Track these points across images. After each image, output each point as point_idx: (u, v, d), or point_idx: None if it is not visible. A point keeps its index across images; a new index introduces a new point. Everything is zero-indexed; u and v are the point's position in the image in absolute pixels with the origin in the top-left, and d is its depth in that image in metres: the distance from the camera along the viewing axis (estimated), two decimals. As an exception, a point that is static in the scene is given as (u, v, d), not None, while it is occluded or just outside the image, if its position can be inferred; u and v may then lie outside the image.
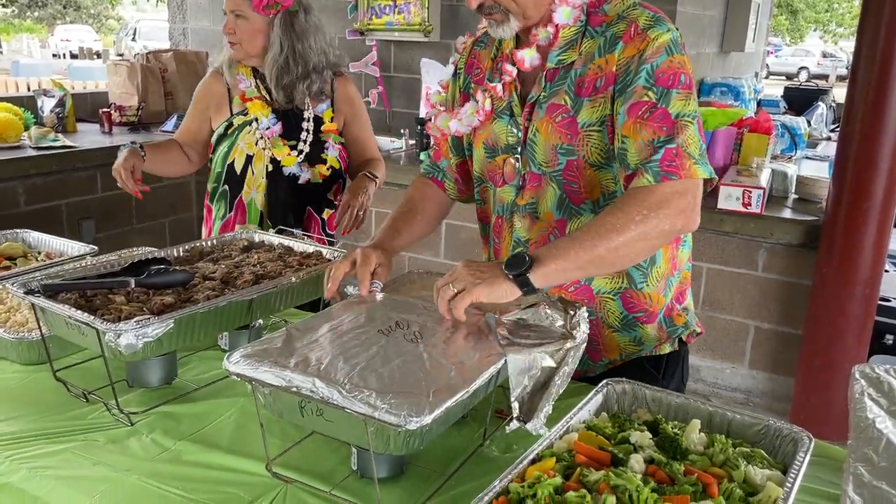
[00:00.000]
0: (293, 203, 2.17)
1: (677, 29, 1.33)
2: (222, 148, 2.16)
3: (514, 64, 1.40)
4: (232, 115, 2.15)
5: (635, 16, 1.31)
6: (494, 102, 1.45)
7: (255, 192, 2.15)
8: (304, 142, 2.14)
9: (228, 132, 2.15)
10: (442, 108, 1.59)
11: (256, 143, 2.12)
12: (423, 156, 1.69)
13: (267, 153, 2.12)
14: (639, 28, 1.29)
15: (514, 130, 1.43)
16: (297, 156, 2.13)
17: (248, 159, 2.13)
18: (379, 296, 1.33)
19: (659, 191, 1.24)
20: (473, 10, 1.35)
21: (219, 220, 2.21)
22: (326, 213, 2.23)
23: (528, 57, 1.37)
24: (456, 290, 1.19)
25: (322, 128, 2.16)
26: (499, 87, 1.43)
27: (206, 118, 2.20)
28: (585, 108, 1.33)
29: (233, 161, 2.14)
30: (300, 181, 2.15)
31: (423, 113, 3.89)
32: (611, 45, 1.31)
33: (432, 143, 1.66)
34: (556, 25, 1.35)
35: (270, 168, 2.13)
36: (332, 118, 2.18)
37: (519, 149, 1.43)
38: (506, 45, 1.45)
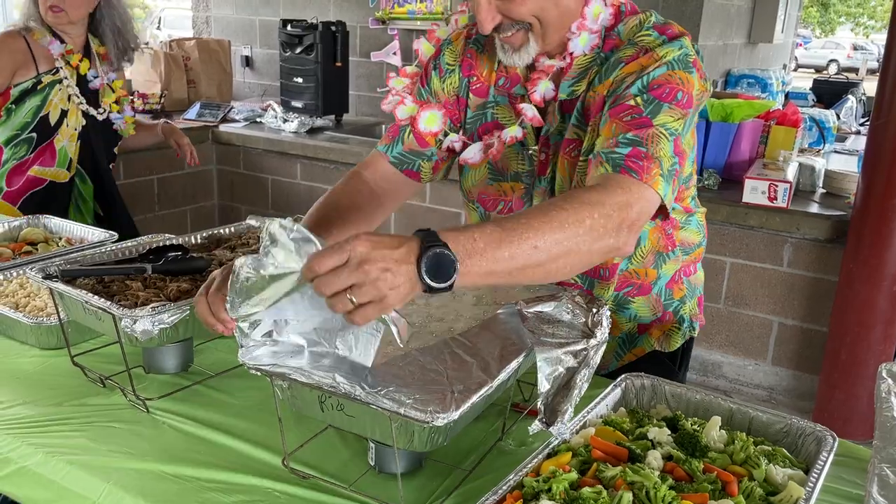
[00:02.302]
0: (98, 152, 2.59)
1: (697, 51, 1.24)
2: (33, 101, 2.44)
3: (529, 100, 1.31)
4: (39, 73, 2.42)
5: (647, 43, 1.21)
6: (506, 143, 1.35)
7: (67, 141, 2.51)
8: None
9: (38, 88, 2.43)
10: (413, 97, 1.43)
11: (69, 100, 2.48)
12: (380, 147, 1.44)
13: (80, 108, 2.50)
14: (644, 52, 1.20)
15: (526, 160, 1.36)
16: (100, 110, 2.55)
17: (63, 113, 2.48)
18: None
19: (613, 196, 1.06)
20: (485, 33, 1.23)
21: (14, 160, 2.48)
22: (111, 166, 2.69)
23: (543, 90, 1.29)
24: (359, 301, 0.87)
25: (117, 92, 2.60)
26: (517, 130, 1.33)
27: (8, 74, 2.41)
28: (588, 134, 1.26)
29: (47, 114, 2.46)
30: (114, 127, 2.59)
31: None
32: (612, 68, 1.23)
33: (406, 132, 1.42)
34: (571, 55, 1.27)
35: (84, 122, 2.52)
36: (121, 86, 2.63)
37: (531, 180, 1.36)
38: None
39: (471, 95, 1.40)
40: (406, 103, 1.42)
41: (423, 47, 1.49)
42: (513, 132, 1.33)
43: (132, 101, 2.77)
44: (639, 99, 1.16)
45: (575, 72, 1.28)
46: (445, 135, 1.42)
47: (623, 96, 1.17)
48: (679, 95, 1.16)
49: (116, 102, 2.59)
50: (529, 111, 1.31)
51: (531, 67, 1.32)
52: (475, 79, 1.39)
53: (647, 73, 1.17)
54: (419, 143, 1.41)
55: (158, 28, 18.76)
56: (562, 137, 1.31)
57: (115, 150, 2.67)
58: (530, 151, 1.35)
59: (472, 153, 1.39)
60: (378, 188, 1.42)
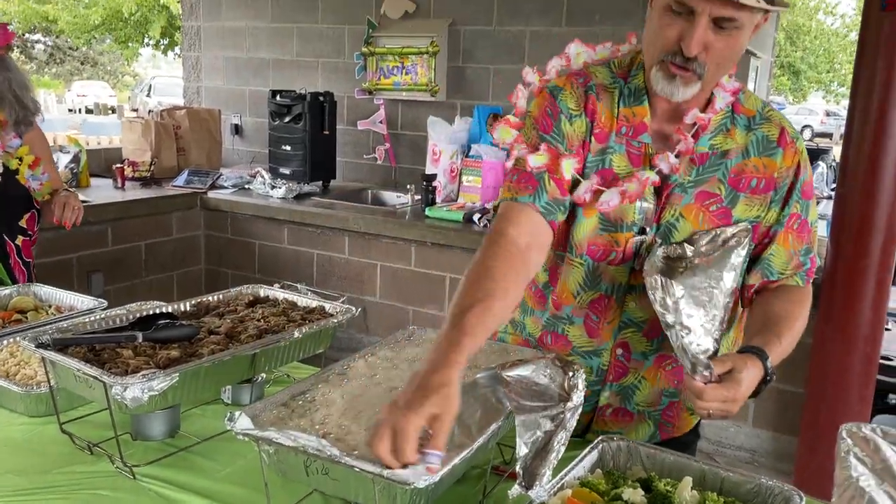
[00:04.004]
0: None
1: None
2: None
3: (652, 148, 1.37)
4: None
5: (779, 119, 1.40)
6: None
7: None
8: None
9: None
10: (545, 145, 1.38)
11: None
12: (523, 198, 1.35)
13: None
14: (789, 136, 1.39)
15: (644, 209, 1.38)
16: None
17: None
18: (436, 465, 0.97)
19: (807, 298, 1.44)
20: (689, 56, 1.25)
21: None
22: (20, 240, 2.41)
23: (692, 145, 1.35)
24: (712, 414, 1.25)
25: (25, 160, 2.37)
26: (654, 176, 1.36)
27: None
28: (742, 203, 1.37)
29: None
30: (32, 188, 2.37)
31: (429, 169, 3.97)
32: (766, 147, 1.38)
33: (546, 179, 1.35)
34: (715, 110, 1.35)
35: None
36: (28, 152, 2.38)
37: (646, 228, 1.39)
38: (640, 112, 1.38)
39: (593, 140, 1.40)
40: (541, 150, 1.37)
41: (534, 100, 1.44)
42: (650, 175, 1.36)
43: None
44: (798, 205, 1.41)
45: (713, 127, 1.37)
46: (574, 184, 1.39)
47: (790, 204, 1.40)
48: (813, 186, 1.44)
49: (30, 167, 2.36)
50: (673, 160, 1.35)
51: (661, 119, 1.39)
52: (596, 124, 1.40)
53: (800, 175, 1.40)
54: (560, 191, 1.37)
55: (149, 95, 19.10)
56: (686, 188, 1.37)
57: (24, 223, 2.40)
58: (646, 203, 1.38)
59: (610, 197, 1.36)
60: (524, 244, 1.31)
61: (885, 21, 2.56)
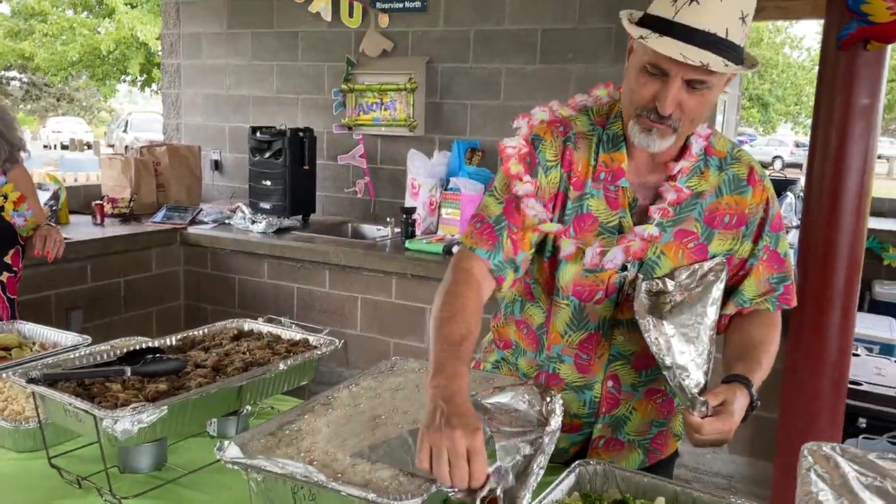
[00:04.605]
0: None
1: None
2: None
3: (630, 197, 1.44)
4: None
5: (747, 160, 1.48)
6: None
7: None
8: None
9: None
10: (528, 192, 1.43)
11: None
12: (480, 252, 1.44)
13: None
14: (757, 174, 1.47)
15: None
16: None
17: None
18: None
19: (779, 321, 1.51)
20: (663, 115, 1.31)
21: None
22: (5, 276, 2.44)
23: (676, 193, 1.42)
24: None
25: (10, 197, 2.43)
26: (654, 230, 1.41)
27: None
28: (716, 238, 1.45)
29: None
30: (16, 224, 2.44)
31: (408, 202, 4.03)
32: (737, 185, 1.45)
33: (504, 237, 1.43)
34: (694, 155, 1.43)
35: None
36: (13, 189, 2.44)
37: (628, 265, 1.44)
38: (618, 158, 1.44)
39: (570, 189, 1.46)
40: (529, 180, 1.44)
41: (523, 130, 1.49)
42: (650, 231, 1.41)
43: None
44: (768, 238, 1.48)
45: (688, 170, 1.44)
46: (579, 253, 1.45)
47: (762, 239, 1.48)
48: (782, 220, 1.52)
49: (15, 203, 2.43)
50: (663, 211, 1.42)
51: (638, 163, 1.44)
52: (573, 174, 1.46)
53: (768, 212, 1.47)
54: (514, 250, 1.43)
55: (125, 131, 19.07)
56: (665, 227, 1.43)
57: (9, 259, 2.45)
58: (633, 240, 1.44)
59: (614, 256, 1.42)
60: (482, 283, 1.42)
61: (841, 59, 2.69)
